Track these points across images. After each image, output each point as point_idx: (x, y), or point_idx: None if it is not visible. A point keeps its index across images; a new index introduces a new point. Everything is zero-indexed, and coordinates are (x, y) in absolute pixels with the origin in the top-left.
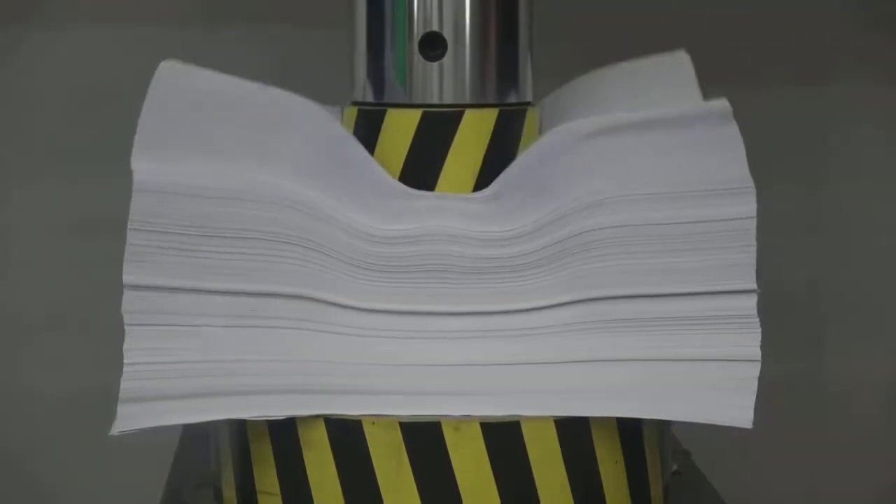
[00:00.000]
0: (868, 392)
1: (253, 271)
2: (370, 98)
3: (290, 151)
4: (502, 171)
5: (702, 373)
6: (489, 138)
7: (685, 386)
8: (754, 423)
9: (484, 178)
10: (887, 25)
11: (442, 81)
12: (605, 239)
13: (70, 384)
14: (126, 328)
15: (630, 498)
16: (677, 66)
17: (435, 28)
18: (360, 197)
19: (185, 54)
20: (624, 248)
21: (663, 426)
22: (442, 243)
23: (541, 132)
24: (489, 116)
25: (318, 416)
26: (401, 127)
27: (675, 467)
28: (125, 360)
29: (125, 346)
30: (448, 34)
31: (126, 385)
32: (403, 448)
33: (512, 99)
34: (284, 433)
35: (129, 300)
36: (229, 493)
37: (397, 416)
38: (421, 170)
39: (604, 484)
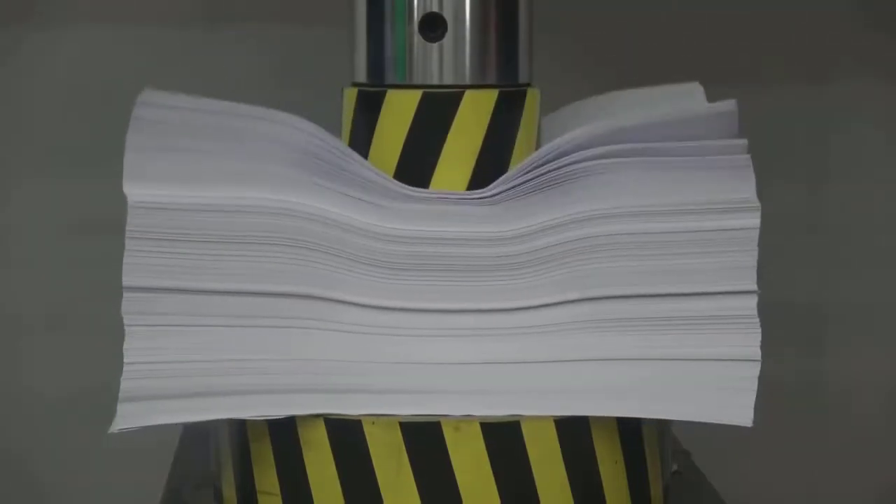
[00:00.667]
0: (868, 392)
1: (251, 272)
2: (370, 79)
3: (280, 159)
4: (502, 154)
5: (702, 373)
6: (489, 119)
7: (685, 386)
8: (754, 423)
9: (484, 160)
10: (887, 25)
11: (442, 62)
12: (607, 243)
13: (70, 384)
14: (126, 328)
15: (630, 498)
16: (689, 96)
17: (435, 9)
18: (357, 200)
19: (185, 54)
20: (626, 251)
21: (663, 426)
22: (441, 242)
23: (538, 145)
24: (489, 97)
25: (317, 416)
26: (400, 108)
27: (675, 467)
28: (125, 360)
29: (125, 346)
30: (448, 15)
31: (126, 384)
32: (403, 448)
33: (512, 80)
34: (284, 433)
35: (128, 301)
36: (229, 493)
37: (397, 416)
38: (421, 151)
39: (604, 484)
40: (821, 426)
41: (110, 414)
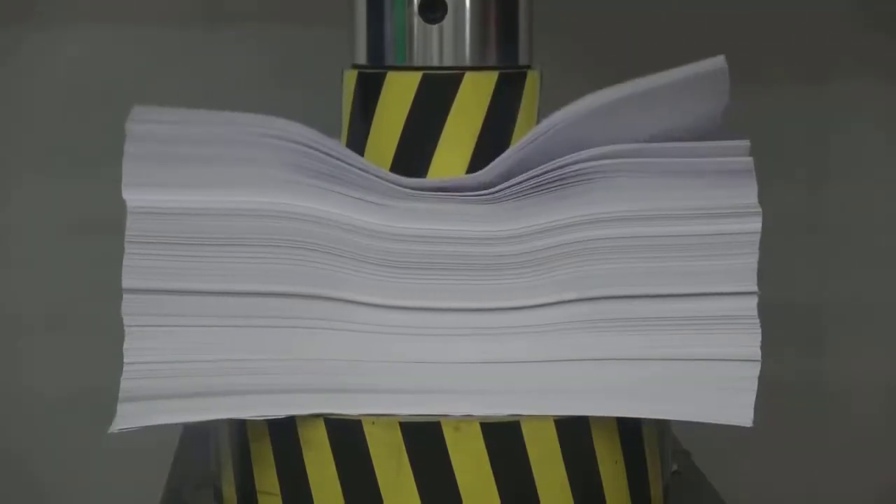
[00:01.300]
0: (868, 392)
1: (251, 272)
2: (370, 61)
3: (278, 163)
4: (502, 136)
5: (702, 373)
6: (489, 101)
7: (685, 386)
8: (754, 423)
9: (484, 142)
10: (887, 25)
11: (442, 44)
12: (608, 245)
13: (70, 384)
14: (126, 329)
15: (630, 498)
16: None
17: None
18: (356, 200)
19: (185, 54)
20: (626, 253)
21: (663, 426)
22: (442, 242)
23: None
24: (489, 79)
25: (317, 416)
26: (400, 90)
27: (675, 467)
28: (125, 360)
29: (125, 346)
30: None
31: (126, 384)
32: (403, 448)
33: (512, 62)
34: (284, 433)
35: (128, 303)
36: (229, 493)
37: (397, 416)
38: (421, 133)
39: (604, 484)
40: (821, 426)
41: (110, 414)
